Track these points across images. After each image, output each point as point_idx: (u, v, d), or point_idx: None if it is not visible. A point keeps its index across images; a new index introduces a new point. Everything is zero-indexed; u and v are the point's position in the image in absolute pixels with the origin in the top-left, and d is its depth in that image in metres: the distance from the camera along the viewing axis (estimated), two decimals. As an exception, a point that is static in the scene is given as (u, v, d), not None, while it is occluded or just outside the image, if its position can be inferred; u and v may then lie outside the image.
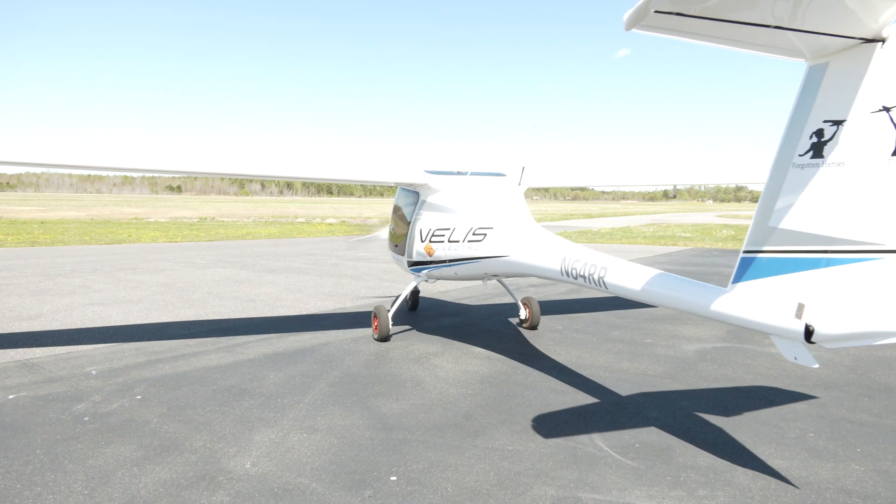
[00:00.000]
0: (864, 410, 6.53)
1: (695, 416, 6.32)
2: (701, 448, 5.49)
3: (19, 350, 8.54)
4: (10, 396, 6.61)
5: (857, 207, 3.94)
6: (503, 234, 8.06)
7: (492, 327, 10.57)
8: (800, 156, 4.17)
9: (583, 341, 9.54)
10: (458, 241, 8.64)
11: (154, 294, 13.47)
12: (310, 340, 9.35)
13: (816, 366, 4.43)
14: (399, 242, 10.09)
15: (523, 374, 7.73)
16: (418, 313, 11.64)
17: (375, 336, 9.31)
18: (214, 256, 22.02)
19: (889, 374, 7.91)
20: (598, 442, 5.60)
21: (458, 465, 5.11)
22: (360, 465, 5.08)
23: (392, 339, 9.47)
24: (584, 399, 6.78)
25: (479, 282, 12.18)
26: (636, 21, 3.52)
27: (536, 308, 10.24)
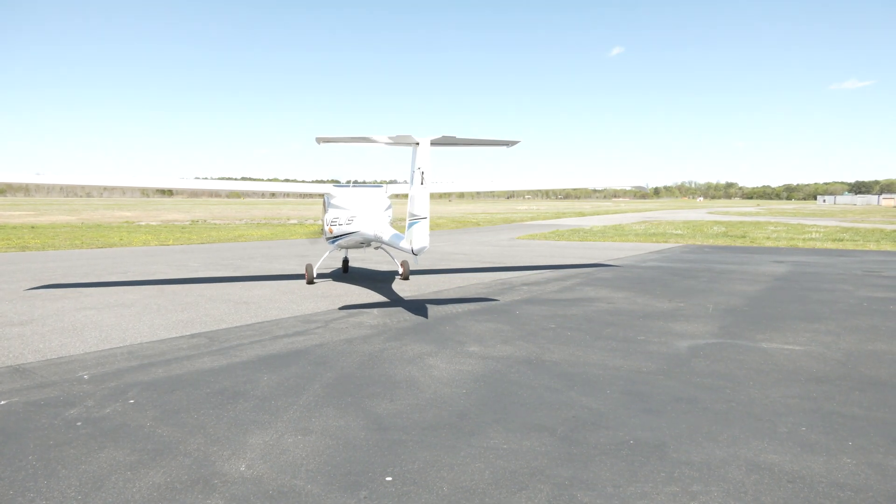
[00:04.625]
0: (855, 404, 6.59)
1: (688, 411, 6.36)
2: (694, 444, 5.53)
3: (10, 355, 8.48)
4: (2, 402, 6.56)
5: (418, 203, 10.47)
6: (359, 219, 14.20)
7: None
8: (412, 184, 10.60)
9: (576, 339, 9.58)
10: (342, 224, 14.77)
11: (146, 297, 13.41)
12: (303, 342, 9.34)
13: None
14: (322, 228, 16.81)
15: (517, 373, 7.76)
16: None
17: (306, 282, 15.62)
18: (207, 259, 21.93)
19: (879, 368, 7.99)
20: (592, 440, 5.63)
21: (454, 464, 5.13)
22: (356, 466, 5.08)
23: (387, 338, 9.53)
24: (577, 397, 6.80)
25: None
26: (318, 144, 11.25)
27: (407, 266, 16.60)
